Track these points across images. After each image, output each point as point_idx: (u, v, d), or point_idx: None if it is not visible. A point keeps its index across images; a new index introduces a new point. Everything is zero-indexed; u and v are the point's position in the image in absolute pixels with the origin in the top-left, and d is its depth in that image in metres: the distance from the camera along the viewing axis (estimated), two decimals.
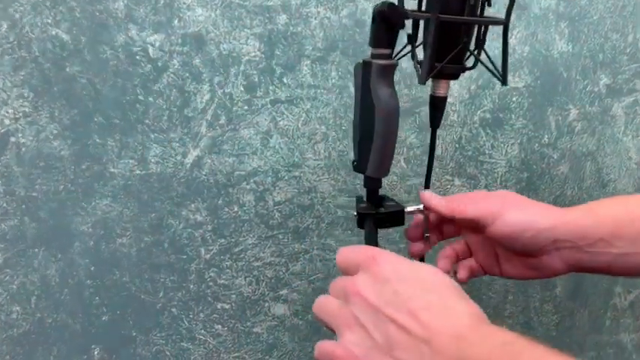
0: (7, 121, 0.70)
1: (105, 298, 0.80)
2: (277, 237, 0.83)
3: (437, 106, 0.58)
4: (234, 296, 0.84)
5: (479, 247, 0.58)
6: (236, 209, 0.80)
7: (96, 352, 0.81)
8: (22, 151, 0.72)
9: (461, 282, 0.58)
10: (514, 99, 0.86)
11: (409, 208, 0.57)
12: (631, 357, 1.09)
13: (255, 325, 0.86)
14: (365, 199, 0.58)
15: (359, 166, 0.55)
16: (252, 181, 0.80)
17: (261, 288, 0.85)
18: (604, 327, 1.05)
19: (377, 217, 0.55)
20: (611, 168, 0.95)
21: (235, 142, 0.78)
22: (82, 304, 0.79)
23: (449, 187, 0.87)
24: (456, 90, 0.83)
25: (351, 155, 0.73)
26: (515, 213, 0.51)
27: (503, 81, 0.55)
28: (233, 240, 0.81)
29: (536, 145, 0.90)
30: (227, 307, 0.84)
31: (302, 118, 0.79)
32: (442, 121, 0.58)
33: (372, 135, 0.52)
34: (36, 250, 0.76)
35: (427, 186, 0.61)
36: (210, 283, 0.82)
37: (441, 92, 0.57)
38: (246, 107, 0.77)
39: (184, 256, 0.80)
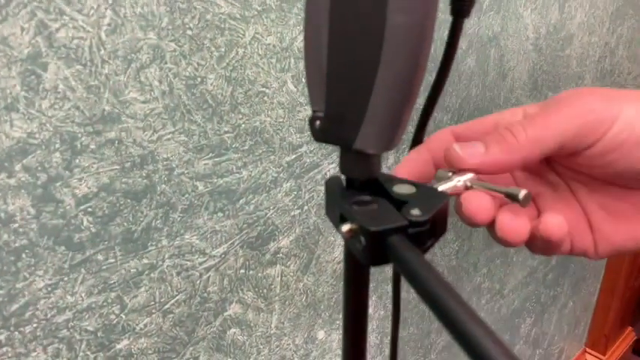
0: None
1: None
2: (94, 260, 0.43)
3: None
4: None
5: (555, 200, 0.31)
6: None
7: None
8: None
9: None
10: None
11: (443, 187, 0.27)
12: (512, 260, 1.01)
13: None
14: (344, 185, 0.26)
15: (336, 128, 0.25)
16: (17, 168, 0.37)
17: (79, 354, 0.45)
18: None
19: (410, 232, 0.24)
20: (512, 54, 0.75)
21: None
22: None
23: None
24: None
25: (213, 83, 0.39)
26: (633, 112, 0.26)
27: None
28: (2, 293, 0.39)
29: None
30: None
31: (106, 20, 0.38)
32: None
33: (374, 65, 0.22)
34: None
35: (423, 124, 0.31)
36: None
37: None
38: None
39: None
